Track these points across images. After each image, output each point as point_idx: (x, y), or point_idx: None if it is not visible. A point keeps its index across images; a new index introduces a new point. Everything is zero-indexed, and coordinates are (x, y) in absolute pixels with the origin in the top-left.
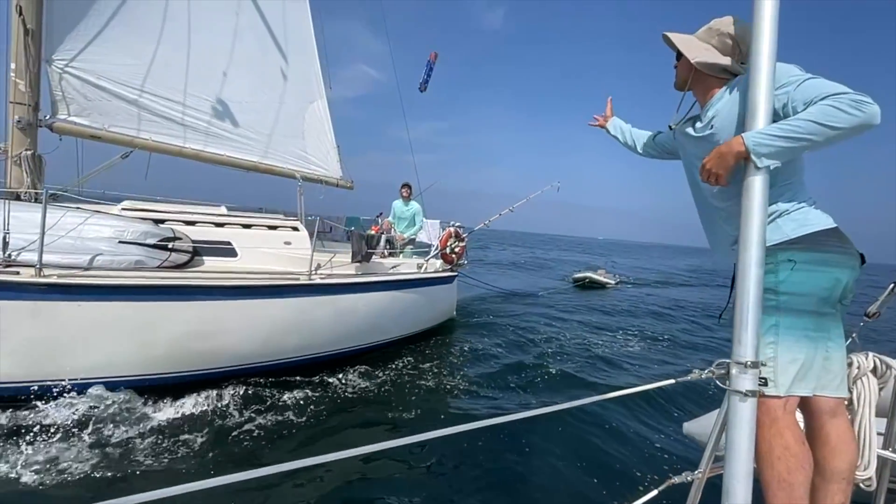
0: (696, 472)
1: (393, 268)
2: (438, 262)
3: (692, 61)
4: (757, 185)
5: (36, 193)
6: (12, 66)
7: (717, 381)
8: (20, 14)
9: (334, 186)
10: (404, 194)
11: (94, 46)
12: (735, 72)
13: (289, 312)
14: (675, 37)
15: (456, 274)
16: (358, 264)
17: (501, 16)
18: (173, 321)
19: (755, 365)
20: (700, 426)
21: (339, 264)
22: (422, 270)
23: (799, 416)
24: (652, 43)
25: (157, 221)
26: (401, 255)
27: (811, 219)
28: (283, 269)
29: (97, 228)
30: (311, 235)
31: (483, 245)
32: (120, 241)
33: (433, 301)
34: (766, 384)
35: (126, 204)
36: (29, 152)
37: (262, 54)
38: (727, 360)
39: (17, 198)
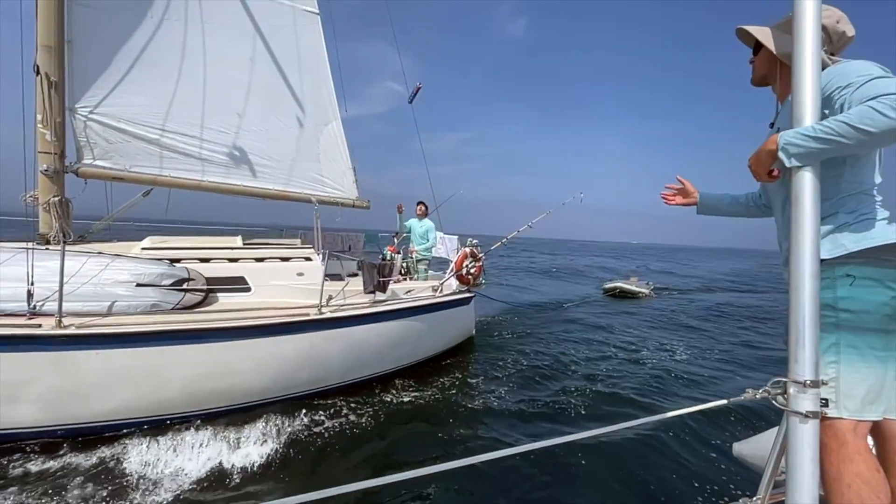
0: (753, 498)
1: (407, 293)
2: (455, 283)
3: (776, 52)
4: (807, 193)
5: (64, 238)
6: (38, 117)
7: (774, 402)
8: (37, 73)
9: (350, 207)
10: (419, 212)
11: (114, 90)
12: (823, 64)
13: (299, 349)
14: (753, 29)
15: (473, 295)
16: (371, 294)
17: (523, 26)
18: (184, 364)
19: (815, 384)
20: (752, 448)
21: (353, 292)
22: (437, 293)
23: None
24: (675, 45)
25: (174, 261)
26: (416, 276)
27: (874, 232)
28: (295, 302)
29: (116, 273)
30: (323, 260)
31: (514, 253)
32: (137, 285)
33: (449, 324)
34: (826, 405)
35: (147, 242)
36: (57, 198)
37: (276, 81)
38: (783, 379)
39: (48, 242)
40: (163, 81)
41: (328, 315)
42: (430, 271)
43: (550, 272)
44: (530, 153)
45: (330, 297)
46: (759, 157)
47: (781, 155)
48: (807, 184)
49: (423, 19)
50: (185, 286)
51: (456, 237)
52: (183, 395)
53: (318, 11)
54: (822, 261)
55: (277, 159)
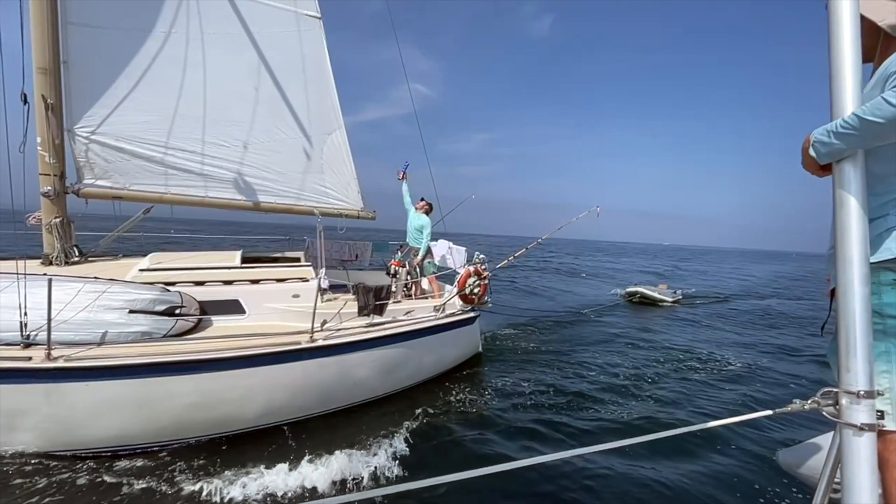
0: None
1: (407, 314)
2: (459, 303)
3: (880, 24)
4: (852, 194)
5: (66, 259)
6: (38, 140)
7: (825, 413)
8: (24, 102)
9: (355, 218)
10: (418, 206)
11: (111, 110)
12: None
13: (291, 377)
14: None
15: (478, 314)
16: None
17: (548, 25)
18: (175, 395)
19: (870, 395)
20: (798, 456)
21: (351, 315)
22: (439, 313)
23: None
24: (709, 42)
25: (169, 284)
26: (425, 274)
27: None
28: (290, 326)
29: (109, 301)
30: (318, 283)
31: (541, 255)
32: (130, 311)
33: (452, 345)
34: (882, 417)
35: (145, 262)
36: (58, 220)
37: (277, 91)
38: (835, 389)
39: (50, 262)
40: (161, 98)
41: (320, 343)
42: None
43: (573, 273)
44: (558, 153)
45: (324, 322)
46: (803, 155)
47: (811, 153)
48: (851, 184)
49: (449, 20)
50: (177, 312)
51: (464, 249)
52: (174, 424)
53: (319, 15)
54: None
55: (280, 171)
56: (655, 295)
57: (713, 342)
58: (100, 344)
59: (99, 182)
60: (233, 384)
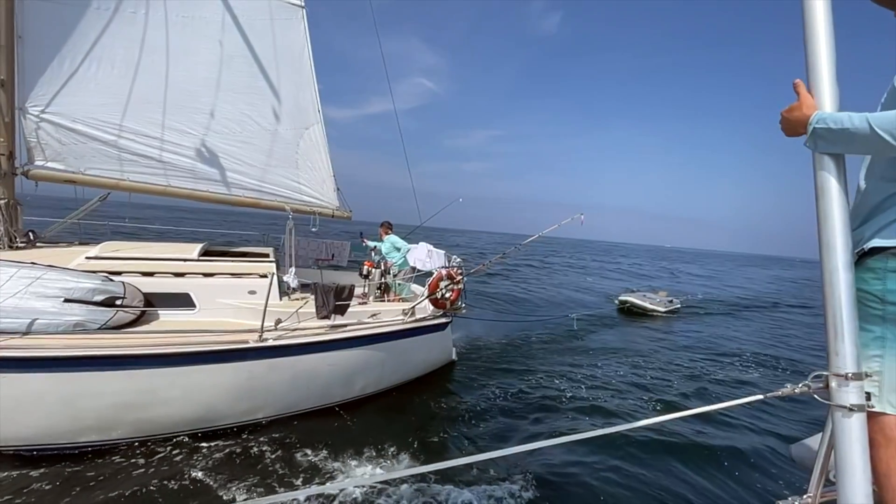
0: (804, 496)
1: (372, 316)
2: (431, 307)
3: None
4: (833, 183)
5: (10, 243)
6: None
7: (816, 396)
8: None
9: (330, 217)
10: (381, 234)
11: (68, 88)
12: None
13: (236, 378)
14: None
15: (450, 320)
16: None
17: (557, 22)
18: (103, 393)
19: (858, 377)
20: (809, 449)
21: (310, 314)
22: (407, 317)
23: None
24: (714, 43)
25: (114, 273)
26: (395, 291)
27: None
28: (242, 324)
29: (43, 288)
30: (284, 279)
31: (538, 255)
32: (65, 300)
33: (420, 351)
34: (869, 399)
35: (95, 250)
36: (3, 201)
37: (250, 80)
38: (824, 373)
39: None
40: (122, 80)
41: (270, 343)
42: (412, 284)
43: (569, 275)
44: (562, 151)
45: (278, 321)
46: (790, 123)
47: (809, 141)
48: (832, 171)
49: (456, 16)
50: (118, 303)
51: (443, 252)
52: (101, 425)
53: (302, 4)
54: (875, 249)
55: (250, 164)
56: (647, 305)
57: (705, 360)
58: (24, 334)
59: (50, 164)
60: (171, 383)
